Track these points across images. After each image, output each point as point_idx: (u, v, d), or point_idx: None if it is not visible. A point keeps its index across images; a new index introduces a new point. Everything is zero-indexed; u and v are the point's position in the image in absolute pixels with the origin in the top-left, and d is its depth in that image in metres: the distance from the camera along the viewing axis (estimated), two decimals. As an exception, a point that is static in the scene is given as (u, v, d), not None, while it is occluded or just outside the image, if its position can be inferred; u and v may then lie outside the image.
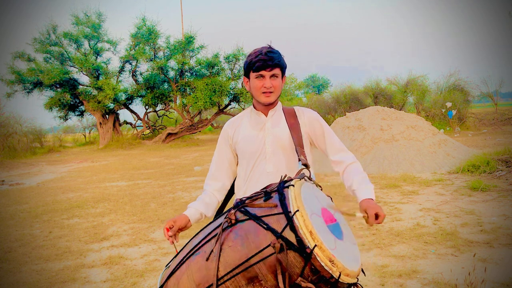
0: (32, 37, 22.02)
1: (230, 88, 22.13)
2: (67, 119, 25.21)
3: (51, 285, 3.63)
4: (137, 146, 22.06)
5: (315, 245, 1.16)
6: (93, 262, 4.16)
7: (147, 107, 24.74)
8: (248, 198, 1.38)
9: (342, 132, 10.29)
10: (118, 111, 24.35)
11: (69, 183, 10.14)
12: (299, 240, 1.17)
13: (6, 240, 5.13)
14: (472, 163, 7.86)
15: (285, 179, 1.39)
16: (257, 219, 1.26)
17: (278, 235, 1.19)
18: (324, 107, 25.80)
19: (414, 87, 22.46)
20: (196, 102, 21.08)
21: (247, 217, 1.29)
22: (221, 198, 1.88)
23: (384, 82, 24.54)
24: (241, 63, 21.90)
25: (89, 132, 31.66)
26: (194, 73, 23.28)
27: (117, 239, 4.95)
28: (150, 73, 22.86)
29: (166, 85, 23.58)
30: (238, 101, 23.35)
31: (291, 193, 1.27)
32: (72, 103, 24.05)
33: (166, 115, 27.42)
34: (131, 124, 26.73)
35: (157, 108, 25.67)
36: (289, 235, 1.18)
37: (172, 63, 22.61)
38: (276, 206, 1.26)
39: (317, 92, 37.87)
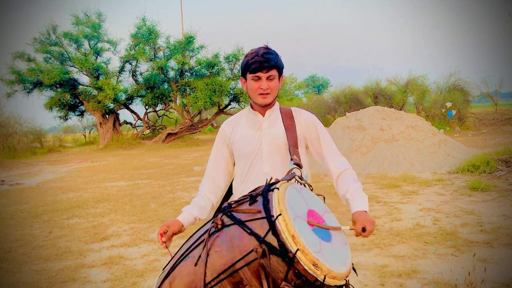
0: (32, 37, 22.04)
1: (230, 88, 22.13)
2: (67, 119, 25.21)
3: (51, 285, 3.63)
4: (137, 146, 22.06)
5: (298, 249, 1.15)
6: (93, 262, 4.16)
7: (147, 107, 24.74)
8: (235, 202, 1.39)
9: (342, 132, 10.29)
10: (118, 111, 24.34)
11: (69, 183, 10.14)
12: (281, 244, 1.17)
13: (6, 240, 5.13)
14: (472, 163, 7.86)
15: (272, 181, 1.39)
16: (242, 224, 1.26)
17: (261, 240, 1.19)
18: (324, 107, 25.81)
19: (414, 87, 22.46)
20: (196, 102, 21.08)
21: (233, 222, 1.29)
22: (216, 199, 1.88)
23: (384, 82, 24.58)
24: (241, 63, 21.88)
25: (89, 132, 31.67)
26: (194, 73, 23.28)
27: (117, 239, 4.95)
28: (150, 73, 22.85)
29: (166, 85, 23.57)
30: (238, 101, 23.36)
31: (274, 197, 1.27)
32: (72, 103, 24.04)
33: (166, 115, 27.42)
34: (131, 124, 26.73)
35: (157, 108, 25.67)
36: (271, 239, 1.18)
37: (172, 63, 22.61)
38: (260, 211, 1.26)
39: (317, 92, 37.89)
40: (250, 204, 1.32)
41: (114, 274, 3.79)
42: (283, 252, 1.16)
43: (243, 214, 1.30)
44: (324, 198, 1.57)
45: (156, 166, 12.63)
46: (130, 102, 24.40)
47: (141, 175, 10.70)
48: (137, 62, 23.18)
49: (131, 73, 23.75)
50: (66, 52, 22.30)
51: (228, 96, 22.77)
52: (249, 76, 1.74)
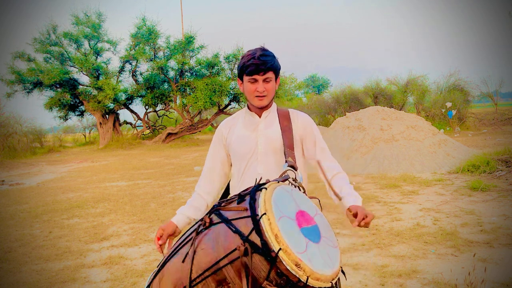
0: (32, 37, 22.04)
1: (230, 88, 22.12)
2: (67, 119, 25.21)
3: (51, 285, 3.63)
4: (137, 146, 22.05)
5: (280, 249, 1.15)
6: (93, 262, 4.17)
7: (147, 107, 24.74)
8: (225, 201, 1.40)
9: (342, 132, 10.29)
10: (118, 111, 24.33)
11: (69, 183, 10.14)
12: (264, 243, 1.17)
13: (6, 240, 5.13)
14: (472, 163, 7.86)
15: (263, 182, 1.39)
16: (228, 222, 1.27)
17: (244, 238, 1.19)
18: (324, 107, 25.82)
19: (414, 87, 22.46)
20: (196, 102, 21.07)
21: (220, 220, 1.30)
22: (211, 199, 1.88)
23: (384, 82, 24.57)
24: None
25: (89, 132, 31.66)
26: (194, 73, 23.27)
27: (117, 239, 4.95)
28: (150, 73, 22.85)
29: (166, 85, 23.57)
30: (238, 101, 23.37)
31: (261, 197, 1.27)
32: (72, 103, 24.03)
33: (166, 115, 27.42)
34: (131, 124, 26.72)
35: (157, 108, 25.67)
36: (255, 238, 1.18)
37: (172, 63, 22.60)
38: (246, 209, 1.27)
39: (317, 92, 37.87)
40: (238, 203, 1.33)
41: (114, 274, 3.79)
42: (265, 251, 1.16)
43: (230, 212, 1.31)
44: (319, 200, 1.56)
45: (156, 166, 12.63)
46: (130, 102, 24.40)
47: (141, 175, 10.70)
48: (137, 62, 23.18)
49: (131, 73, 23.76)
50: (66, 52, 22.30)
51: (228, 96, 22.76)
52: (245, 78, 1.74)
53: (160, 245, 1.66)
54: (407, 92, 23.05)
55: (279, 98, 23.22)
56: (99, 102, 21.59)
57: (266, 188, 1.31)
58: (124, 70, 23.88)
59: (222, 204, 1.38)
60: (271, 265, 1.16)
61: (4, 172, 13.59)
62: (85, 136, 31.07)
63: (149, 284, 1.44)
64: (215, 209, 1.36)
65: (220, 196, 1.91)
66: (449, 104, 18.83)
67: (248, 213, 1.25)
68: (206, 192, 1.87)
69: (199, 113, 24.68)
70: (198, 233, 1.34)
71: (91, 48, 22.93)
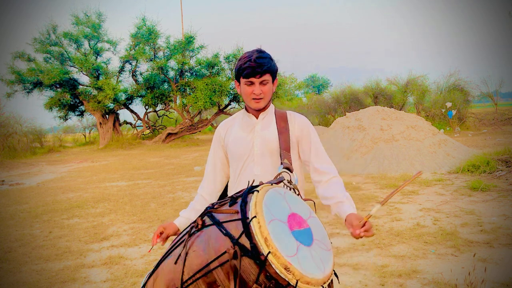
0: (32, 37, 22.03)
1: (230, 88, 22.12)
2: (67, 119, 25.21)
3: (51, 285, 3.63)
4: (137, 146, 22.06)
5: (269, 252, 1.15)
6: (93, 262, 4.17)
7: (147, 107, 24.74)
8: (218, 203, 1.40)
9: (342, 132, 10.29)
10: (118, 111, 24.34)
11: (69, 183, 10.14)
12: (254, 246, 1.16)
13: (6, 240, 5.13)
14: (472, 163, 7.86)
15: (256, 184, 1.39)
16: (219, 224, 1.27)
17: (234, 241, 1.19)
18: (324, 107, 25.83)
19: (414, 87, 22.47)
20: (196, 102, 21.08)
21: (212, 223, 1.30)
22: (214, 200, 1.88)
23: (384, 82, 24.59)
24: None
25: (89, 132, 31.66)
26: (194, 73, 23.27)
27: (117, 239, 4.95)
28: (150, 73, 22.85)
29: (166, 85, 23.57)
30: (238, 101, 23.37)
31: (252, 199, 1.27)
32: (72, 103, 24.03)
33: (166, 115, 27.42)
34: (131, 124, 26.73)
35: (157, 108, 25.67)
36: (245, 241, 1.18)
37: (172, 63, 22.60)
38: (237, 212, 1.27)
39: (317, 92, 37.87)
40: (230, 206, 1.32)
41: (114, 274, 3.79)
42: (255, 254, 1.16)
43: (222, 215, 1.31)
44: (314, 203, 1.56)
45: (156, 166, 12.63)
46: (130, 102, 24.41)
47: (141, 175, 10.70)
48: (137, 62, 23.18)
49: (131, 73, 23.76)
50: (66, 52, 22.30)
51: (228, 96, 22.76)
52: (242, 80, 1.74)
53: (157, 242, 1.69)
54: (407, 92, 23.05)
55: (279, 98, 23.23)
56: (99, 102, 21.59)
57: (258, 191, 1.30)
58: (124, 70, 23.89)
59: (215, 206, 1.38)
60: (260, 269, 1.16)
61: (4, 172, 13.59)
62: (85, 136, 31.07)
63: (144, 283, 1.45)
64: (208, 211, 1.36)
65: (217, 198, 1.92)
66: (449, 104, 18.83)
67: (239, 215, 1.25)
68: (209, 193, 1.89)
69: (199, 113, 24.68)
70: (190, 235, 1.34)
71: (91, 48, 22.94)
